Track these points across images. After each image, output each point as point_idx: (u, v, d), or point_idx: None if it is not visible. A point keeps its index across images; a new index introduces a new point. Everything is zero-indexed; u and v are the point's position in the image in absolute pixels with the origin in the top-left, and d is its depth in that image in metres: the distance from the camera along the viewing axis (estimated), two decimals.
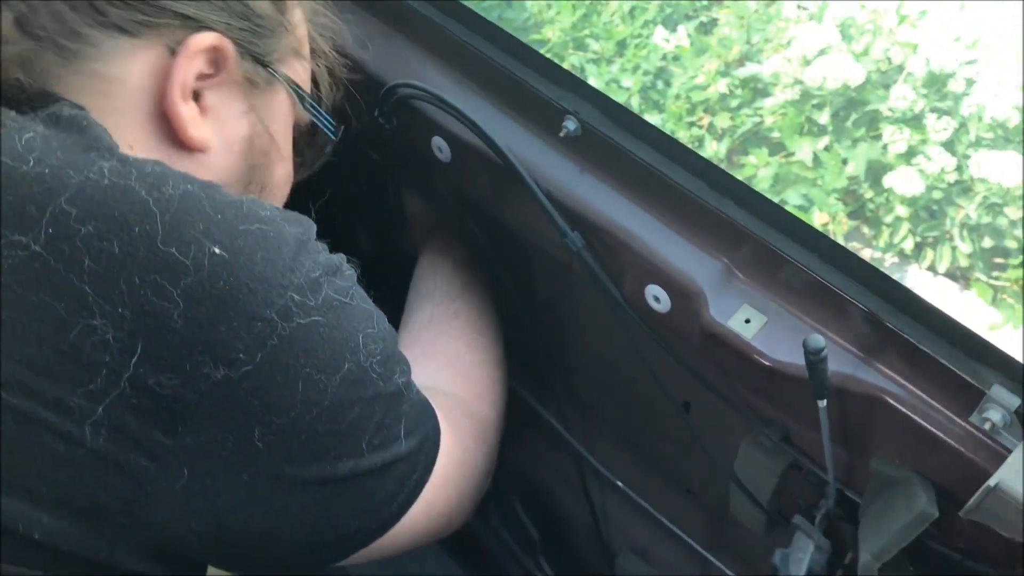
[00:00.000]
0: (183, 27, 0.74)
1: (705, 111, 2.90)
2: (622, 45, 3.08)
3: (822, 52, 2.83)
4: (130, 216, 0.64)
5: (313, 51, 0.87)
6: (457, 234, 1.15)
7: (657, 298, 0.90)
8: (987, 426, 0.76)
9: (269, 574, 0.77)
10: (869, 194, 2.70)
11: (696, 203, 0.88)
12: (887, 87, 2.80)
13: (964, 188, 2.67)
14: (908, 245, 2.67)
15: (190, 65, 0.74)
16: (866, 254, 2.67)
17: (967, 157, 2.68)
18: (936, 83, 2.80)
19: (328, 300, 0.69)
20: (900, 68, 2.84)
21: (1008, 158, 2.62)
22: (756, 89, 2.90)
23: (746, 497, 1.01)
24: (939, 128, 2.70)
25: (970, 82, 2.77)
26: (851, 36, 2.90)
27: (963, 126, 2.72)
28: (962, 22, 2.89)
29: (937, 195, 2.66)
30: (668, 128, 2.82)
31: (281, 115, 0.83)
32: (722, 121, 2.86)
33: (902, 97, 2.75)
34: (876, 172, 2.70)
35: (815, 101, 2.81)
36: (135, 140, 0.73)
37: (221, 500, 0.67)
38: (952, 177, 2.66)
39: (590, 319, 1.14)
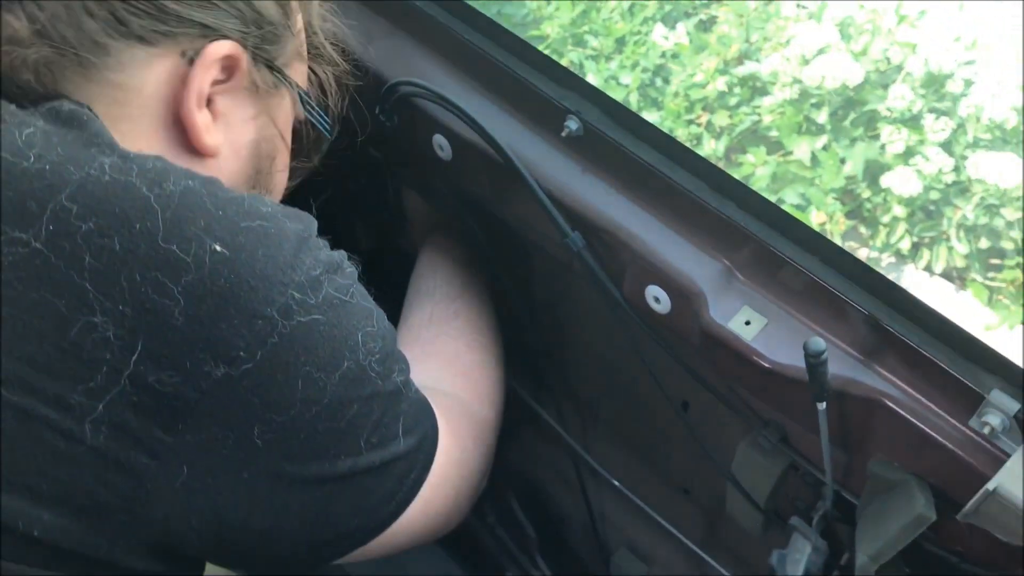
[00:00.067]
0: (200, 35, 0.74)
1: (704, 109, 2.90)
2: (621, 42, 3.07)
3: (821, 51, 2.83)
4: (131, 213, 0.64)
5: (321, 57, 0.87)
6: (457, 233, 1.15)
7: (657, 299, 0.90)
8: (986, 430, 0.76)
9: (268, 572, 0.77)
10: (867, 194, 2.70)
11: (697, 204, 0.88)
12: (886, 87, 2.80)
13: (961, 189, 2.67)
14: (905, 245, 2.67)
15: (206, 73, 0.74)
16: (863, 254, 2.67)
17: (965, 158, 2.68)
18: (934, 83, 2.80)
19: (328, 298, 0.68)
20: (899, 68, 2.84)
21: (1006, 159, 2.62)
22: (755, 88, 2.90)
23: (743, 497, 1.01)
24: (937, 129, 2.70)
25: (968, 83, 2.77)
26: (850, 35, 2.90)
27: (961, 127, 2.72)
28: (961, 22, 2.89)
29: (934, 195, 2.67)
30: (666, 126, 2.82)
31: (284, 117, 0.83)
32: (720, 119, 2.86)
33: (900, 97, 2.75)
34: (874, 172, 2.71)
35: (813, 100, 2.81)
36: (147, 146, 0.73)
37: (221, 498, 0.67)
38: (950, 178, 2.66)
39: (589, 319, 1.15)
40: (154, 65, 0.73)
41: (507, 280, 1.14)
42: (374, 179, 1.21)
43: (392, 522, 0.77)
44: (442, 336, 1.04)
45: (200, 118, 0.74)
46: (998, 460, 0.76)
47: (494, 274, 1.14)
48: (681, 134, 2.84)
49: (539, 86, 0.95)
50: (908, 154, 2.70)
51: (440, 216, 1.18)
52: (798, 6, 3.01)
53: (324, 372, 0.68)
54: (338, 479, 0.71)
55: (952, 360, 0.78)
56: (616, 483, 1.22)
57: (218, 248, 0.65)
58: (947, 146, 2.70)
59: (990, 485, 0.72)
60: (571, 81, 0.94)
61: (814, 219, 2.65)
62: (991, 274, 2.63)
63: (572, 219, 0.93)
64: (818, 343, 0.76)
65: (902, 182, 2.64)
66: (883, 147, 2.72)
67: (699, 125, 2.88)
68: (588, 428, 1.28)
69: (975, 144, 2.71)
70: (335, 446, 0.70)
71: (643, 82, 2.97)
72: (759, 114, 2.84)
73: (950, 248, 2.65)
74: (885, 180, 2.66)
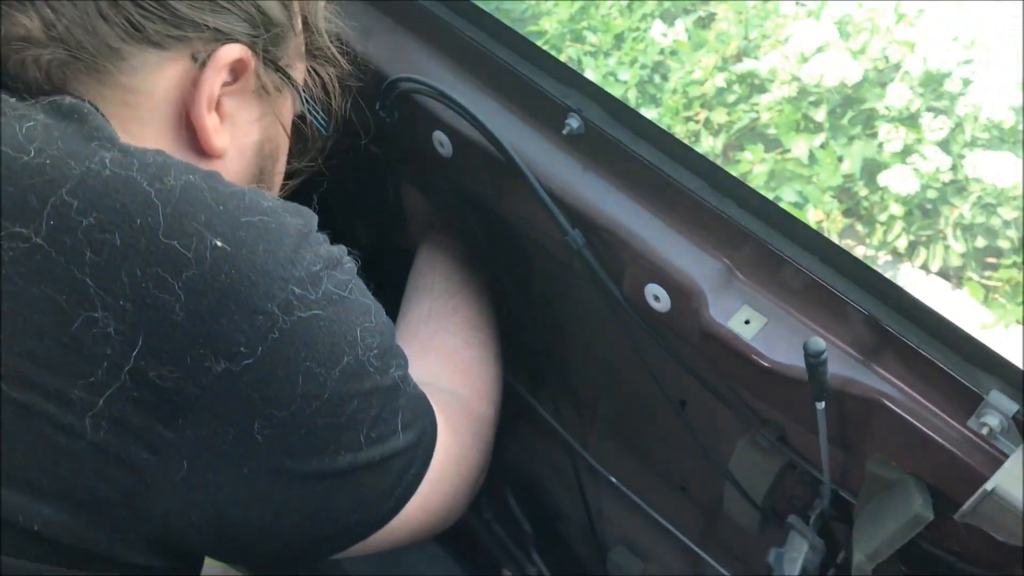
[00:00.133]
0: (211, 39, 0.74)
1: (702, 106, 2.90)
2: (620, 38, 3.07)
3: (820, 49, 2.83)
4: (132, 208, 0.64)
5: (324, 58, 0.87)
6: (456, 230, 1.15)
7: (657, 297, 0.90)
8: (985, 431, 0.76)
9: (267, 567, 0.77)
10: (864, 192, 2.71)
11: (698, 203, 0.88)
12: (884, 85, 2.80)
13: (958, 188, 2.67)
14: (902, 243, 2.68)
15: (217, 77, 0.74)
16: (860, 252, 2.67)
17: (962, 157, 2.68)
18: (933, 82, 2.80)
19: (328, 294, 0.68)
20: (897, 67, 2.84)
21: (1003, 158, 2.63)
22: (753, 85, 2.90)
23: (741, 495, 1.01)
24: (935, 127, 2.71)
25: (967, 82, 2.77)
26: (849, 34, 2.90)
27: (959, 126, 2.72)
28: (960, 21, 2.89)
29: (931, 194, 2.67)
30: (664, 123, 2.82)
31: (286, 117, 0.84)
32: (718, 116, 2.86)
33: (899, 96, 2.75)
34: (871, 170, 2.71)
35: (812, 98, 2.81)
36: (155, 147, 0.73)
37: (221, 493, 0.67)
38: (947, 176, 2.67)
39: (588, 316, 1.15)
40: (165, 69, 0.73)
41: (506, 277, 1.14)
42: (374, 175, 1.21)
43: (392, 517, 0.77)
44: (440, 332, 1.04)
45: (210, 121, 0.75)
46: (996, 461, 0.76)
47: (493, 271, 1.14)
48: (679, 131, 2.83)
49: (541, 84, 0.94)
50: (906, 153, 2.70)
51: (439, 213, 1.18)
52: (797, 4, 3.01)
53: (324, 367, 0.68)
54: (338, 474, 0.71)
55: (951, 361, 0.79)
56: (614, 480, 1.22)
57: (219, 243, 0.65)
58: (945, 145, 2.71)
59: (988, 485, 0.73)
60: (573, 79, 0.94)
61: (811, 217, 2.65)
62: (987, 273, 2.63)
63: (572, 217, 0.93)
64: (818, 343, 0.76)
65: (899, 180, 2.64)
66: (881, 145, 2.73)
67: (697, 122, 2.88)
68: (586, 425, 1.28)
69: (973, 143, 2.71)
70: (335, 441, 0.70)
71: (641, 79, 2.97)
72: (757, 111, 2.84)
73: (947, 247, 2.65)
74: (882, 178, 2.67)
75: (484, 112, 0.94)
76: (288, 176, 0.90)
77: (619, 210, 0.91)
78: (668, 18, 3.07)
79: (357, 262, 0.74)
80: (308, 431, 0.68)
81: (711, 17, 3.09)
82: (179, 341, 0.63)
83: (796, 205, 2.67)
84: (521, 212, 0.99)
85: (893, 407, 0.80)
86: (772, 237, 0.86)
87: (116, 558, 0.66)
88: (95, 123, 0.69)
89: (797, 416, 0.88)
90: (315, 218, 0.72)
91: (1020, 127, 2.68)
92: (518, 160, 0.92)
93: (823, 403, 0.80)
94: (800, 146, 2.75)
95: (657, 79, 3.00)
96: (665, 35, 3.01)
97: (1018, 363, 0.76)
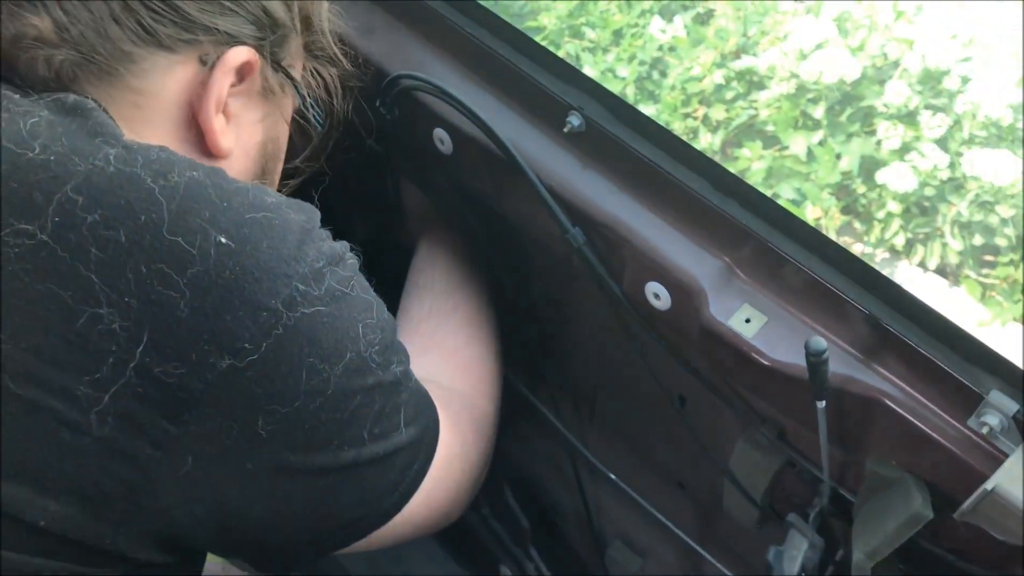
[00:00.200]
0: (220, 41, 0.74)
1: (700, 103, 2.90)
2: (618, 34, 3.07)
3: (818, 46, 2.83)
4: (136, 204, 0.64)
5: (326, 58, 0.87)
6: (456, 227, 1.15)
7: (657, 295, 0.90)
8: (985, 430, 0.76)
9: (270, 562, 0.77)
10: (862, 189, 2.71)
11: (698, 201, 0.88)
12: (882, 83, 2.81)
13: (956, 185, 2.68)
14: (899, 241, 2.68)
15: (225, 79, 0.75)
16: (857, 249, 2.68)
17: (960, 155, 2.69)
18: (931, 80, 2.81)
19: (331, 290, 0.69)
20: (896, 64, 2.84)
21: (1001, 156, 2.63)
22: (751, 82, 2.90)
23: (740, 493, 1.02)
24: (933, 125, 2.71)
25: (965, 80, 2.78)
26: (847, 31, 2.90)
27: (957, 123, 2.73)
28: (959, 19, 2.90)
29: (929, 192, 2.67)
30: (663, 119, 2.82)
31: (288, 115, 0.84)
32: (717, 113, 2.87)
33: (897, 93, 2.76)
34: (869, 168, 2.71)
35: (810, 95, 2.81)
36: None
37: (225, 488, 0.67)
38: (945, 174, 2.67)
39: (588, 314, 1.15)
40: (174, 71, 0.73)
41: (506, 275, 1.14)
42: (374, 172, 1.20)
43: (395, 513, 0.77)
44: (441, 330, 1.04)
45: (217, 122, 0.75)
46: (996, 460, 0.76)
47: (493, 269, 1.14)
48: (677, 127, 2.84)
49: (541, 81, 0.95)
50: (904, 150, 2.71)
51: (439, 210, 1.18)
52: (796, 0, 3.02)
53: (328, 363, 0.68)
54: (341, 470, 0.71)
55: (951, 360, 0.79)
56: (612, 476, 1.22)
57: (223, 240, 0.65)
58: (943, 143, 2.71)
59: (988, 484, 0.73)
60: (573, 75, 0.94)
61: (809, 214, 2.66)
62: (984, 271, 2.64)
63: (573, 215, 0.93)
64: (819, 342, 0.76)
65: (897, 178, 2.65)
66: (879, 143, 2.73)
67: (695, 119, 2.88)
68: (585, 422, 1.28)
69: (971, 141, 2.72)
70: (338, 437, 0.70)
71: (640, 75, 2.97)
72: (756, 108, 2.84)
73: (944, 244, 2.66)
74: (880, 176, 2.67)
75: (484, 109, 0.94)
76: (289, 175, 0.90)
77: (619, 208, 0.91)
78: (667, 14, 3.07)
79: (359, 258, 0.74)
80: (312, 427, 0.68)
81: (710, 13, 3.09)
82: (184, 337, 0.63)
83: (794, 202, 2.68)
84: (521, 209, 0.99)
85: (893, 406, 0.80)
86: (773, 236, 0.86)
87: (120, 552, 0.66)
88: (99, 119, 0.69)
89: (797, 415, 0.88)
90: (318, 214, 0.72)
91: (1018, 125, 2.69)
92: (518, 157, 0.93)
93: (823, 402, 0.81)
94: (798, 143, 2.75)
95: (656, 75, 3.00)
96: (664, 31, 3.01)
97: (1018, 362, 0.76)
